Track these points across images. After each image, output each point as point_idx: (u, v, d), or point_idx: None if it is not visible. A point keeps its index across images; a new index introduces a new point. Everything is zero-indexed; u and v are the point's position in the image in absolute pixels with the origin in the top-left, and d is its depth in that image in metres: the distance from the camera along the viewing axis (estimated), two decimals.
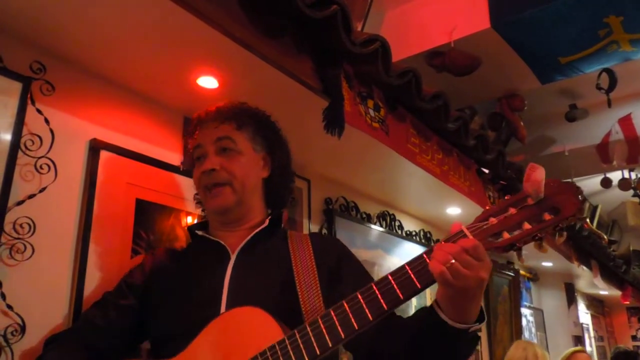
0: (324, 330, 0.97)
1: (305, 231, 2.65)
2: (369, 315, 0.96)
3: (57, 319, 1.55)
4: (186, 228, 1.44)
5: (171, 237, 1.95)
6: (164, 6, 1.40)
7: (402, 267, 1.00)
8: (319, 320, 0.99)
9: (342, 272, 1.26)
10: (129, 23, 1.52)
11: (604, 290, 7.22)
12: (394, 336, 1.11)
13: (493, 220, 1.00)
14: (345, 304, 0.98)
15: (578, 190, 1.00)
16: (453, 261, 0.92)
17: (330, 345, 0.96)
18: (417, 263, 0.99)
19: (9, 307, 1.43)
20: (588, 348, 7.34)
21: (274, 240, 1.32)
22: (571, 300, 6.90)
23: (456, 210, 3.61)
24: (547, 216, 0.98)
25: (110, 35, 1.58)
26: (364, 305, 0.97)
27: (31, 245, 1.50)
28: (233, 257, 1.25)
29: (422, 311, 1.10)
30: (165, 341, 1.20)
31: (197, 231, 1.38)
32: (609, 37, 3.29)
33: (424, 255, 0.99)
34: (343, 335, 0.96)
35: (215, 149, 1.32)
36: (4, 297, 1.42)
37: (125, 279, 1.40)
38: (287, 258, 1.25)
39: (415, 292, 0.98)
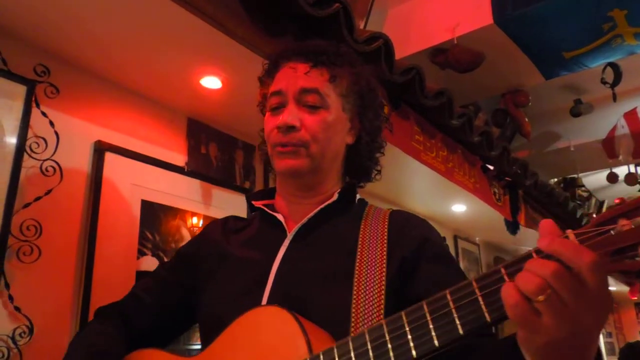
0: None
1: None
2: (413, 351, 0.68)
3: (64, 320, 1.56)
4: (245, 196, 1.16)
5: (177, 238, 1.95)
6: (167, 7, 1.41)
7: (469, 284, 0.66)
8: (350, 341, 0.75)
9: (420, 269, 0.94)
10: (132, 25, 1.52)
11: (612, 286, 7.19)
12: None
13: (625, 223, 0.58)
14: (385, 325, 0.72)
15: None
16: (549, 291, 0.56)
17: None
18: (489, 280, 0.64)
19: (17, 309, 1.44)
20: None
21: (345, 219, 1.06)
22: None
23: (461, 207, 3.60)
24: None
25: (114, 37, 1.58)
26: (409, 335, 0.69)
27: (38, 248, 1.51)
28: (289, 237, 1.03)
29: (505, 345, 0.73)
30: (204, 329, 1.03)
31: (254, 202, 1.13)
32: (613, 31, 3.28)
33: (502, 270, 0.63)
34: None
35: (298, 99, 1.04)
36: (11, 299, 1.43)
37: (181, 248, 1.19)
38: (354, 243, 0.99)
39: (481, 326, 0.64)
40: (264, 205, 1.12)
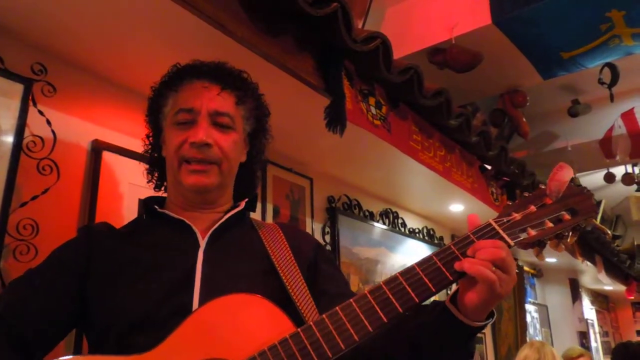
0: (347, 324, 0.88)
1: (309, 229, 2.65)
2: (398, 307, 0.89)
3: None
4: (142, 201, 1.18)
5: None
6: (165, 6, 1.40)
7: (430, 258, 0.94)
8: (339, 312, 0.89)
9: (320, 268, 1.17)
10: (130, 23, 1.52)
11: (609, 285, 7.21)
12: (396, 335, 1.00)
13: (516, 215, 0.98)
14: (369, 295, 0.91)
15: (592, 194, 1.02)
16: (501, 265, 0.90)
17: (357, 338, 0.87)
18: (445, 254, 0.94)
19: None
20: (593, 344, 7.33)
21: (242, 227, 1.19)
22: (576, 296, 6.89)
23: (459, 207, 3.61)
24: (566, 216, 0.98)
25: (111, 36, 1.58)
26: (391, 297, 0.90)
27: (34, 247, 1.50)
28: (204, 242, 1.10)
29: (431, 310, 1.00)
30: (126, 332, 0.99)
31: (156, 207, 1.17)
32: (610, 31, 3.29)
33: (452, 247, 0.94)
34: (371, 329, 0.88)
35: (211, 119, 1.13)
36: None
37: (58, 255, 1.14)
38: (262, 246, 1.14)
39: (447, 284, 0.92)
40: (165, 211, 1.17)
